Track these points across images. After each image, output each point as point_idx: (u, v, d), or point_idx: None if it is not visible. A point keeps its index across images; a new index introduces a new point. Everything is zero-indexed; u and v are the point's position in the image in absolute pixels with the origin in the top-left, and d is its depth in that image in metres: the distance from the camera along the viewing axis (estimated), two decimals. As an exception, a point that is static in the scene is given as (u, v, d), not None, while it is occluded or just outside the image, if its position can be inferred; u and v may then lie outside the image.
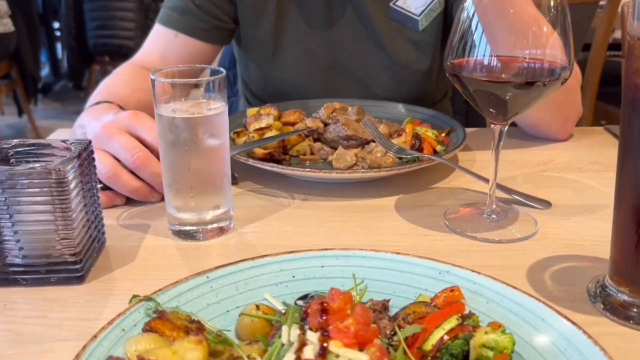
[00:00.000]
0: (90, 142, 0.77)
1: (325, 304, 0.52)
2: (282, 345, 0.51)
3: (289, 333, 0.52)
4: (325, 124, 1.14)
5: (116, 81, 1.23)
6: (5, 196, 0.68)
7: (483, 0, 0.78)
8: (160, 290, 0.61)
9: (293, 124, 1.16)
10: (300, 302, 0.64)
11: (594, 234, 0.85)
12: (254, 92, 1.47)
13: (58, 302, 0.70)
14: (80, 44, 5.04)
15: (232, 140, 1.11)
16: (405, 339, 0.53)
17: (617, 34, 3.19)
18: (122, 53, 4.25)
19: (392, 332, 0.55)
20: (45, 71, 6.06)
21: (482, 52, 0.77)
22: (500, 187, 0.95)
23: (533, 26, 0.76)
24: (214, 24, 1.32)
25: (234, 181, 1.01)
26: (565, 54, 0.77)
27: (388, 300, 0.62)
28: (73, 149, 0.73)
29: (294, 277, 0.66)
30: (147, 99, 0.93)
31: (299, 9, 1.33)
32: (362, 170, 1.02)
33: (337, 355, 0.48)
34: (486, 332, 0.52)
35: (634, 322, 0.65)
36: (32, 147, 0.75)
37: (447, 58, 0.81)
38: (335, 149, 1.07)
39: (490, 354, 0.51)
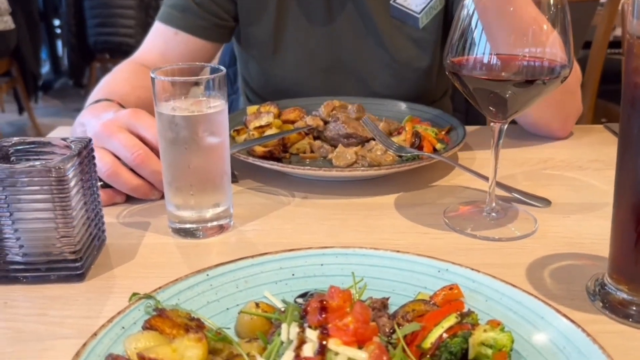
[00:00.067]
0: (90, 140, 0.77)
1: (324, 302, 0.52)
2: (282, 343, 0.51)
3: (289, 331, 0.52)
4: (325, 122, 1.14)
5: (116, 79, 1.23)
6: (6, 194, 0.68)
7: (483, -2, 0.78)
8: (160, 288, 0.61)
9: (293, 122, 1.16)
10: (300, 300, 0.64)
11: (593, 232, 0.85)
12: (254, 89, 1.47)
13: (58, 300, 0.70)
14: (81, 41, 5.04)
15: (232, 138, 1.11)
16: (405, 336, 0.53)
17: (618, 32, 3.19)
18: (123, 50, 4.25)
19: (391, 330, 0.55)
20: (45, 69, 6.06)
21: (482, 50, 0.77)
22: (500, 185, 0.95)
23: (533, 24, 0.76)
24: (214, 22, 1.32)
25: (234, 179, 1.01)
26: (565, 52, 0.77)
27: (387, 298, 0.62)
28: (73, 147, 0.73)
29: (293, 275, 0.67)
30: (147, 97, 0.93)
31: (299, 6, 1.33)
32: (362, 168, 1.02)
33: (336, 353, 0.48)
34: (485, 330, 0.52)
35: (632, 320, 0.65)
36: (32, 145, 0.75)
37: (446, 56, 0.81)
38: (335, 147, 1.08)
39: (489, 351, 0.51)
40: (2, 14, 4.21)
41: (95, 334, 0.54)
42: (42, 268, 0.72)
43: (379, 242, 0.83)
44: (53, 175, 0.68)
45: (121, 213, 0.91)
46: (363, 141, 1.09)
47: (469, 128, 1.20)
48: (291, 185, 1.01)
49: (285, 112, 1.18)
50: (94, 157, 0.78)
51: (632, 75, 0.62)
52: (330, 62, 1.37)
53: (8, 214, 0.69)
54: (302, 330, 0.51)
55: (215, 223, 0.85)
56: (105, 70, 4.35)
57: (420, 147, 1.05)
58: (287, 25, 1.35)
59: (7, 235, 0.70)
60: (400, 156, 1.03)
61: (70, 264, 0.72)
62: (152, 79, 0.78)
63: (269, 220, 0.90)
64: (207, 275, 0.64)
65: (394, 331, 0.55)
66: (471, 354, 0.52)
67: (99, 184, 0.80)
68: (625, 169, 0.65)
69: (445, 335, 0.53)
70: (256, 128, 1.10)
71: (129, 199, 0.94)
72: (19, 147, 0.74)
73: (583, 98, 1.26)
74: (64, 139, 0.75)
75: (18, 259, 0.72)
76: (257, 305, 0.60)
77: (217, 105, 0.81)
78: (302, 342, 0.49)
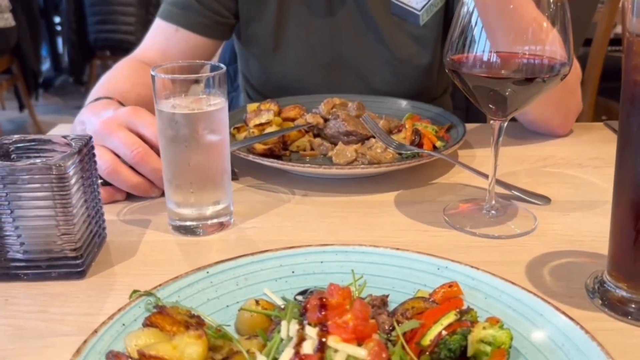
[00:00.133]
0: (90, 137, 0.77)
1: (324, 300, 0.52)
2: (281, 340, 0.52)
3: (288, 328, 0.52)
4: (325, 120, 1.14)
5: (117, 76, 1.23)
6: (6, 191, 0.69)
7: (483, -4, 0.78)
8: (160, 285, 0.61)
9: (293, 120, 1.16)
10: (300, 298, 0.64)
11: (593, 230, 0.85)
12: (254, 87, 1.48)
13: (59, 297, 0.70)
14: (81, 38, 5.04)
15: (232, 135, 1.11)
16: (404, 334, 0.54)
17: (619, 29, 3.18)
18: (123, 48, 4.25)
19: (391, 328, 0.56)
20: (46, 66, 6.05)
21: (482, 48, 0.77)
22: (499, 182, 0.95)
23: (532, 22, 0.76)
24: (215, 19, 1.32)
25: (234, 177, 1.01)
26: (564, 50, 0.77)
27: (387, 296, 0.62)
28: (74, 144, 0.73)
29: (293, 272, 0.67)
30: (148, 94, 0.93)
31: (300, 3, 1.33)
32: (362, 165, 1.02)
33: (336, 350, 0.48)
34: (484, 328, 0.53)
35: (632, 317, 0.65)
36: (33, 143, 0.75)
37: (446, 54, 0.81)
38: (335, 144, 1.08)
39: (488, 349, 0.51)
40: (3, 11, 4.21)
41: (95, 331, 0.55)
42: (42, 265, 0.72)
43: (378, 239, 0.83)
44: (54, 173, 0.68)
45: (121, 210, 0.91)
46: (363, 139, 1.09)
47: (469, 126, 1.20)
48: (291, 183, 1.01)
49: (286, 110, 1.18)
50: (94, 155, 0.78)
51: (632, 73, 0.62)
52: (331, 58, 1.37)
53: (9, 211, 0.69)
54: (302, 328, 0.51)
55: (215, 220, 0.85)
56: (105, 68, 4.35)
57: (420, 145, 1.05)
58: (288, 22, 1.35)
59: (7, 233, 0.71)
60: (400, 154, 1.03)
61: (70, 261, 0.72)
62: (152, 77, 0.78)
63: (269, 217, 0.90)
64: (207, 272, 0.64)
65: (394, 328, 0.55)
66: (470, 351, 0.52)
67: (99, 181, 0.81)
68: (624, 167, 0.66)
69: (444, 332, 0.53)
70: (256, 126, 1.11)
71: (129, 197, 0.94)
72: (19, 145, 0.74)
73: (583, 95, 1.26)
74: (65, 137, 0.75)
75: (19, 256, 0.72)
76: (257, 302, 0.60)
77: (217, 102, 0.81)
78: (301, 339, 0.50)
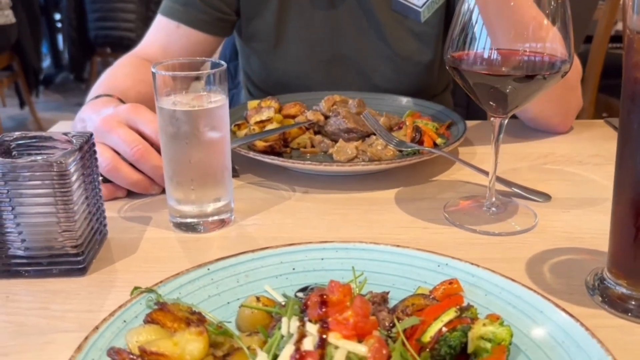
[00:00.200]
0: (91, 134, 0.77)
1: (324, 296, 0.52)
2: (282, 336, 0.52)
3: (289, 325, 0.52)
4: (326, 117, 1.14)
5: (117, 73, 1.23)
6: (8, 188, 0.69)
7: (484, -7, 0.78)
8: (161, 282, 0.62)
9: (294, 117, 1.16)
10: (300, 294, 0.64)
11: (593, 227, 0.85)
12: (255, 83, 1.48)
13: (60, 294, 0.70)
14: (82, 35, 5.04)
15: (233, 132, 1.11)
16: (404, 330, 0.54)
17: (620, 26, 3.18)
18: (124, 44, 4.25)
19: (391, 324, 0.56)
20: (46, 63, 6.05)
21: (483, 45, 0.77)
22: (500, 180, 0.95)
23: (533, 20, 0.76)
24: (216, 16, 1.32)
25: (235, 174, 1.01)
26: (565, 47, 0.77)
27: (387, 293, 0.62)
28: (74, 141, 0.74)
29: (294, 269, 0.67)
30: (148, 91, 0.93)
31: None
32: (363, 163, 1.02)
33: (336, 347, 0.48)
34: (484, 324, 0.53)
35: (631, 314, 0.65)
36: (34, 140, 0.75)
37: (447, 51, 0.81)
38: (336, 141, 1.08)
39: (488, 345, 0.52)
40: (3, 8, 4.21)
41: (96, 328, 0.55)
42: (43, 262, 0.72)
43: (379, 236, 0.83)
44: (55, 170, 0.68)
45: (122, 207, 0.91)
46: (364, 136, 1.09)
47: (470, 123, 1.20)
48: (292, 180, 1.01)
49: (286, 107, 1.18)
50: (95, 152, 0.78)
51: (632, 70, 0.62)
52: (332, 55, 1.37)
53: (10, 208, 0.70)
54: (303, 324, 0.51)
55: (216, 217, 0.85)
56: (106, 65, 4.34)
57: (420, 142, 1.05)
58: (289, 19, 1.35)
59: (9, 230, 0.71)
60: (400, 151, 1.03)
61: (72, 258, 0.73)
62: (153, 74, 0.78)
63: (269, 214, 0.90)
64: (208, 269, 0.64)
65: (394, 325, 0.55)
66: (470, 348, 0.52)
67: (100, 178, 0.81)
68: (624, 164, 0.66)
69: (444, 329, 0.53)
70: (257, 123, 1.11)
71: (130, 194, 0.94)
72: (20, 142, 0.75)
73: (584, 92, 1.26)
74: (66, 134, 0.75)
75: (20, 253, 0.72)
76: (257, 299, 0.60)
77: (218, 99, 0.81)
78: (302, 335, 0.50)
